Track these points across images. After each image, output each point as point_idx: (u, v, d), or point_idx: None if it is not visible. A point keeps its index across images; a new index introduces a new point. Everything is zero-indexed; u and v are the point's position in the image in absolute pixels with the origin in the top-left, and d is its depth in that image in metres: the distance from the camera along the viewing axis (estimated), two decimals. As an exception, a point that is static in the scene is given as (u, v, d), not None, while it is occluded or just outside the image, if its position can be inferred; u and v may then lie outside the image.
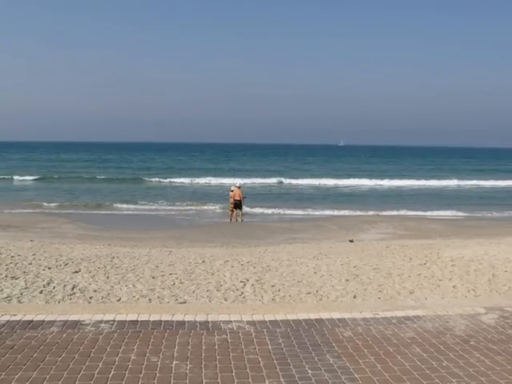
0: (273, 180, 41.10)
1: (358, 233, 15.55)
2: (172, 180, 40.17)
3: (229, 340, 4.62)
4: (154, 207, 23.89)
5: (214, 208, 23.37)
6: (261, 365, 4.08)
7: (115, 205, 24.10)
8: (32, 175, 41.15)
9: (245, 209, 20.02)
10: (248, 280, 7.56)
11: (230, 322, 5.14)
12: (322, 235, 15.00)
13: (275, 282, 7.47)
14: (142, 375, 3.85)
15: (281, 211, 22.36)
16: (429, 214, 21.95)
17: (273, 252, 10.51)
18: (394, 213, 21.93)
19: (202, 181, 39.61)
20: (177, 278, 7.59)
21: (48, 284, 7.05)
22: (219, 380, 3.80)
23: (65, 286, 6.97)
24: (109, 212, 21.79)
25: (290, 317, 5.34)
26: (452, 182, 41.80)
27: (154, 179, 40.60)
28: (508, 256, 9.69)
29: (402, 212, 22.19)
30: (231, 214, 19.15)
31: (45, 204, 23.50)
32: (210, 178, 40.55)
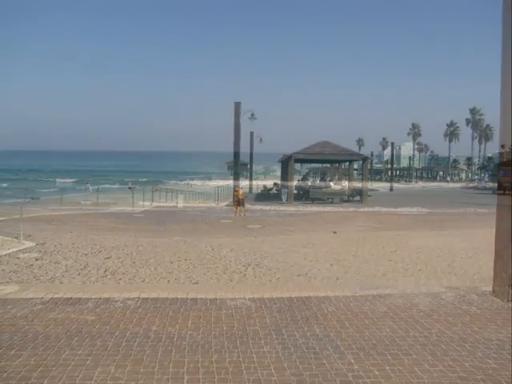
0: (270, 182, 41.11)
1: (340, 226, 15.53)
2: (187, 182, 40.16)
3: (233, 314, 4.62)
4: (171, 204, 23.89)
5: (222, 205, 23.36)
6: (260, 334, 4.08)
7: (140, 202, 24.10)
8: (71, 178, 41.19)
9: (246, 206, 20.00)
10: (249, 264, 7.56)
11: (235, 299, 5.13)
12: (311, 228, 14.98)
13: (272, 266, 7.47)
14: (161, 343, 3.85)
15: (276, 208, 22.35)
16: (398, 210, 21.96)
17: (270, 242, 10.49)
18: (370, 209, 21.94)
19: (211, 182, 39.65)
20: (191, 263, 7.58)
21: (84, 268, 7.04)
22: (225, 347, 3.79)
23: (98, 269, 6.97)
24: (135, 208, 21.77)
25: (284, 295, 5.34)
26: (417, 185, 41.83)
27: (171, 181, 40.67)
28: (463, 245, 9.69)
29: (377, 209, 22.19)
30: (236, 210, 19.13)
31: (82, 202, 23.51)
32: (218, 180, 40.59)
